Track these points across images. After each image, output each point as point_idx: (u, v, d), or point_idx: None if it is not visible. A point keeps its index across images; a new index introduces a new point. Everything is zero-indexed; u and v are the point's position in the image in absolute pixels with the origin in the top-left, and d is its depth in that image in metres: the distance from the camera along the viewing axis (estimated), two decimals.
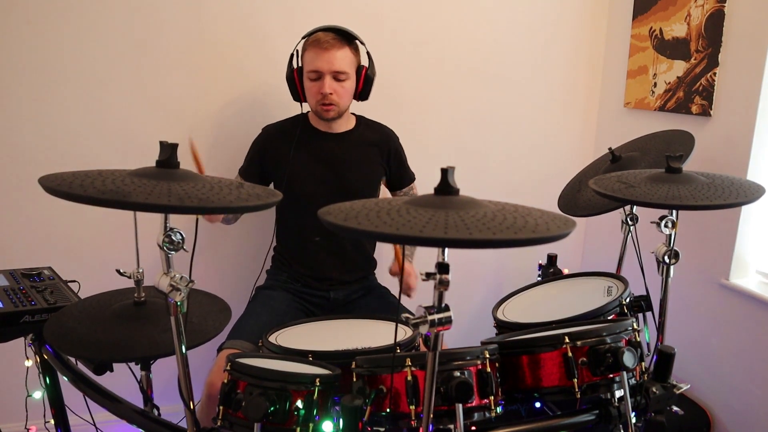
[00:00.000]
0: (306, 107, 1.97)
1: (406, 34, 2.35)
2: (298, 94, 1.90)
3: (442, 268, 0.91)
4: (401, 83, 2.38)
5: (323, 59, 1.80)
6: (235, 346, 1.68)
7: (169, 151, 1.04)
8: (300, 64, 1.88)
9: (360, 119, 2.03)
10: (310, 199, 1.88)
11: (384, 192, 2.12)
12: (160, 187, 0.95)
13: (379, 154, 2.02)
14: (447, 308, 0.94)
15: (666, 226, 1.39)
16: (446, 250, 0.91)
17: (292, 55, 1.89)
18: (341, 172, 1.95)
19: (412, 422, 1.17)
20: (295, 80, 1.87)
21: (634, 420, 1.29)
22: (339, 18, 2.17)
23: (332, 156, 1.95)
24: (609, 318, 1.48)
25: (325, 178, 1.93)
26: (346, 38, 1.84)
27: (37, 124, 2.00)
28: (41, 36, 1.95)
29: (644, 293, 1.62)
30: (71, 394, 1.54)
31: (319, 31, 1.83)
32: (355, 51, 1.88)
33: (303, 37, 1.86)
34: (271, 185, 1.97)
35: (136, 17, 2.03)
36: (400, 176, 2.09)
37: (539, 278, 2.40)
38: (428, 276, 0.92)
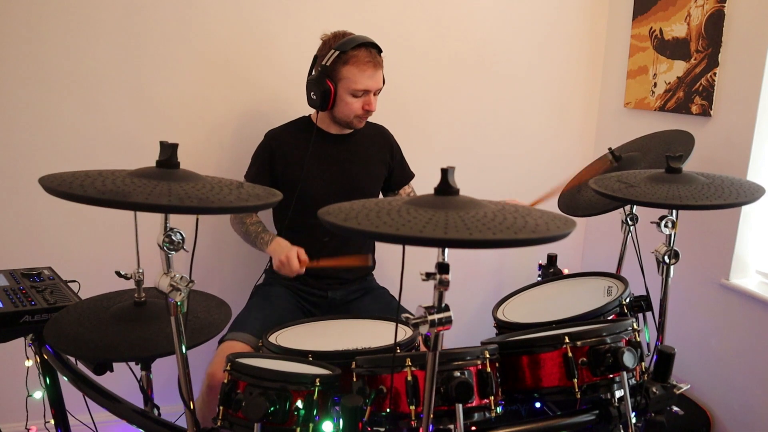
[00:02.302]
0: (307, 111, 1.97)
1: (406, 35, 2.35)
2: (327, 106, 1.84)
3: (442, 268, 0.91)
4: (401, 84, 2.38)
5: (374, 79, 1.84)
6: (236, 338, 1.70)
7: (169, 151, 1.04)
8: (331, 75, 1.82)
9: None
10: (320, 200, 1.88)
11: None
12: (160, 187, 0.95)
13: (382, 152, 2.06)
14: (447, 308, 0.94)
15: (666, 226, 1.39)
16: (446, 250, 0.91)
17: (326, 66, 1.80)
18: (350, 173, 1.97)
19: (412, 422, 1.17)
20: (332, 92, 1.82)
21: (634, 420, 1.29)
22: (341, 19, 2.18)
23: (342, 157, 1.97)
24: (609, 318, 1.48)
25: (335, 180, 1.95)
26: (379, 52, 1.86)
27: (37, 124, 2.00)
28: (41, 36, 1.95)
29: (644, 293, 1.62)
30: (71, 394, 1.54)
31: (361, 46, 1.80)
32: None
33: (336, 48, 1.79)
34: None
35: (137, 18, 2.03)
36: (402, 171, 2.12)
37: (539, 278, 2.39)
38: (428, 276, 0.92)
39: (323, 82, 1.81)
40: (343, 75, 1.82)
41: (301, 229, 1.95)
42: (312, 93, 1.84)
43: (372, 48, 1.84)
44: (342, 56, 1.80)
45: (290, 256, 1.73)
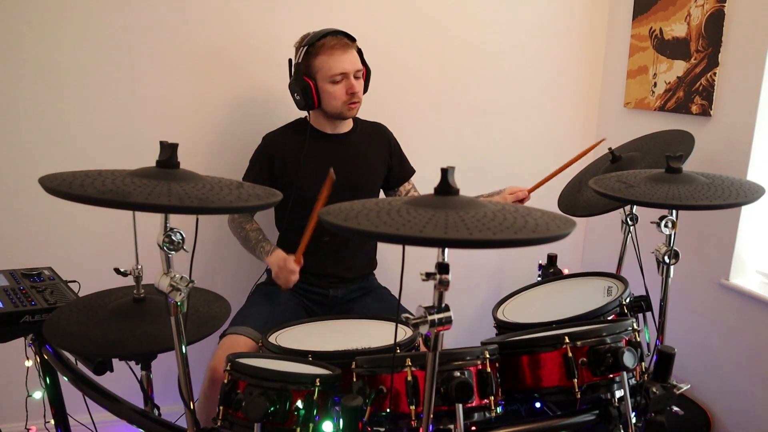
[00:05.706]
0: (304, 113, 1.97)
1: (407, 34, 2.35)
2: (313, 102, 1.86)
3: (442, 268, 0.91)
4: (401, 84, 2.38)
5: (347, 60, 1.84)
6: (238, 332, 1.70)
7: (169, 151, 1.04)
8: (307, 71, 1.85)
9: (356, 119, 2.04)
10: None
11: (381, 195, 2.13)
12: (160, 187, 0.96)
13: (381, 149, 2.06)
14: (447, 308, 0.94)
15: (666, 226, 1.39)
16: (446, 250, 0.91)
17: (298, 64, 1.84)
18: (350, 172, 1.96)
19: (412, 422, 1.17)
20: (312, 88, 1.84)
21: (634, 420, 1.29)
22: (339, 18, 2.18)
23: (340, 157, 1.96)
24: (609, 318, 1.48)
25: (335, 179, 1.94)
26: (350, 38, 1.87)
27: (37, 124, 2.00)
28: (41, 36, 1.95)
29: (644, 293, 1.62)
30: (71, 394, 1.54)
31: (327, 36, 1.83)
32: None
33: (304, 45, 1.83)
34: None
35: (137, 17, 2.03)
36: (401, 168, 2.12)
37: (539, 278, 2.40)
38: (428, 276, 0.92)
39: (301, 80, 1.84)
40: (316, 67, 1.84)
41: (302, 230, 1.95)
42: (295, 94, 1.87)
43: (338, 34, 1.84)
44: (311, 49, 1.83)
45: (287, 259, 1.74)
